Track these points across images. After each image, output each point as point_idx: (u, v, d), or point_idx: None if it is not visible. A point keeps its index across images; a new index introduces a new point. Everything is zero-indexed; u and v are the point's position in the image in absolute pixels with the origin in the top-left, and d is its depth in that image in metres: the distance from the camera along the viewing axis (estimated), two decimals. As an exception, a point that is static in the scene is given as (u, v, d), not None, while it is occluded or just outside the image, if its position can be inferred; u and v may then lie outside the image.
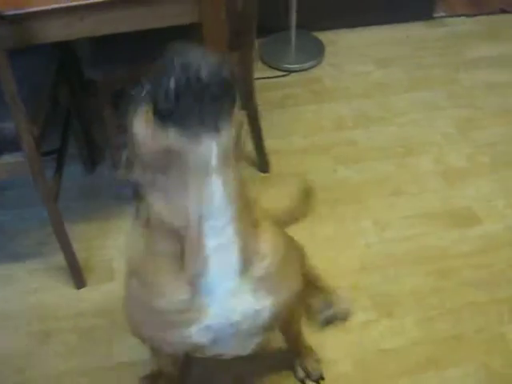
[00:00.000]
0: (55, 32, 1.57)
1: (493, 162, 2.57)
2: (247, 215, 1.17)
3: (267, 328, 1.35)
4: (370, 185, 2.46)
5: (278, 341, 1.81)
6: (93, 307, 2.05)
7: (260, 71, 2.80)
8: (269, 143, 2.50)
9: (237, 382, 1.85)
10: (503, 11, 3.52)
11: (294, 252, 1.49)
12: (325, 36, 3.29)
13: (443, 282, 2.10)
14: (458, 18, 3.49)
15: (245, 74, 2.22)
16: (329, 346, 1.91)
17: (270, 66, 3.12)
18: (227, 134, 1.00)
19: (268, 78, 3.01)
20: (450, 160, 2.57)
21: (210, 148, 0.99)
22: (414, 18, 3.45)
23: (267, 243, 1.25)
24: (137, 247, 1.22)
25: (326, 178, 2.48)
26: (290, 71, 3.09)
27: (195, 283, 1.17)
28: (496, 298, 2.05)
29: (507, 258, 2.17)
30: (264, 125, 2.43)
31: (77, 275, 2.08)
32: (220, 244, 1.12)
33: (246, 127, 2.39)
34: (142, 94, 1.04)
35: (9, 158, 1.74)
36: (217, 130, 0.98)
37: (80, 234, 2.26)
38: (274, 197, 2.18)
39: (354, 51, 3.24)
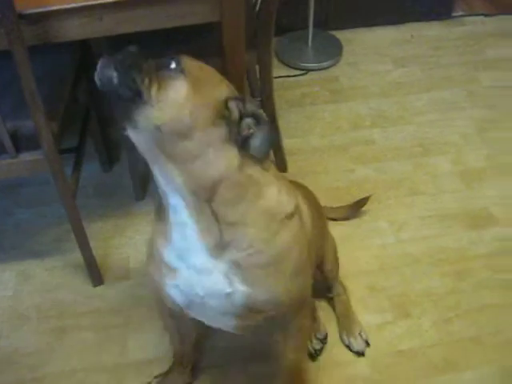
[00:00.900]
0: (74, 31, 1.57)
1: (511, 162, 2.55)
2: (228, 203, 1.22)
3: (244, 316, 1.37)
4: (388, 184, 2.45)
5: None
6: (109, 305, 2.06)
7: (277, 70, 2.79)
8: (286, 142, 2.50)
9: (250, 381, 1.85)
10: (523, 10, 3.49)
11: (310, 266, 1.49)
12: (342, 35, 3.28)
13: (460, 284, 2.09)
14: (477, 18, 3.47)
15: (263, 72, 2.21)
16: (345, 348, 1.91)
17: (287, 65, 3.12)
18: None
19: (285, 76, 3.01)
20: (468, 160, 2.56)
21: None
22: (433, 17, 3.44)
23: (264, 238, 1.27)
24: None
25: (344, 178, 2.48)
26: (308, 70, 3.08)
27: (168, 247, 1.30)
28: (513, 301, 2.04)
29: (525, 259, 2.16)
30: (281, 124, 2.43)
31: (94, 273, 2.08)
32: (181, 221, 1.23)
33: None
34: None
35: (28, 156, 1.74)
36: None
37: (97, 232, 2.27)
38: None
39: (372, 50, 3.23)
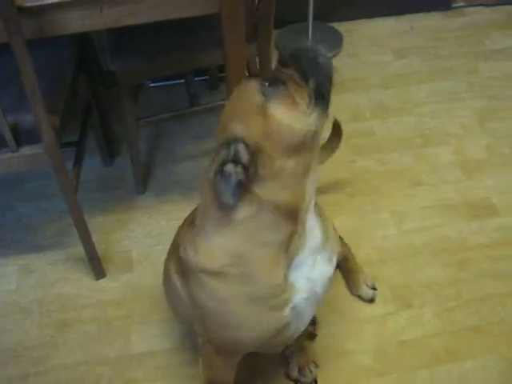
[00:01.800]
0: (74, 23, 1.56)
1: (512, 153, 2.55)
2: None
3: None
4: (389, 175, 2.45)
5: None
6: (112, 298, 2.07)
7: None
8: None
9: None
10: (523, 0, 3.48)
11: None
12: (342, 27, 3.27)
13: (462, 274, 2.10)
14: (477, 8, 3.45)
15: (263, 65, 2.22)
16: (348, 337, 1.92)
17: (287, 58, 3.11)
18: None
19: (285, 69, 3.00)
20: (469, 151, 2.56)
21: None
22: (433, 7, 3.43)
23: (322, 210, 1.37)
24: (224, 243, 1.24)
25: (345, 169, 2.48)
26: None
27: (291, 263, 1.28)
28: (515, 290, 2.04)
29: (527, 249, 2.16)
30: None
31: (96, 266, 2.09)
32: (313, 222, 1.28)
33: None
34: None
35: (29, 150, 1.74)
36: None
37: (99, 226, 2.28)
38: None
39: (372, 42, 3.22)
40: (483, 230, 2.24)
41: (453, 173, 2.46)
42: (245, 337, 1.36)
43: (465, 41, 3.21)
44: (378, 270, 2.11)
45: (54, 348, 1.94)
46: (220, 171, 1.12)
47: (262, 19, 2.06)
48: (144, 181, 2.42)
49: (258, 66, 2.35)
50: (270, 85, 1.14)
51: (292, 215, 1.20)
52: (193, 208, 1.50)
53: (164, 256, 1.68)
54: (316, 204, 1.31)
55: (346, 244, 2.06)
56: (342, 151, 2.48)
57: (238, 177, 1.11)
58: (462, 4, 3.47)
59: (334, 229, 1.50)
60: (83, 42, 2.17)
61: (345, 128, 2.56)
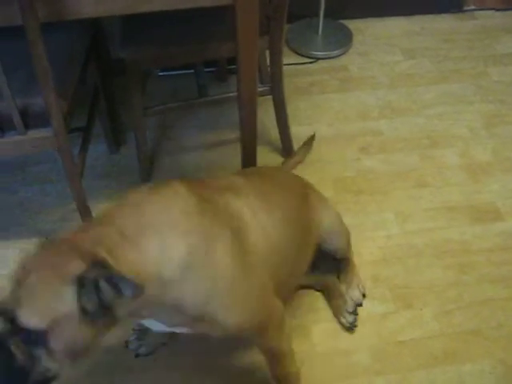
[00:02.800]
0: (88, 8, 1.56)
1: (518, 158, 2.55)
2: None
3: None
4: (394, 176, 2.44)
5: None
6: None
7: (286, 57, 2.76)
8: (294, 130, 2.49)
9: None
10: (534, 5, 3.47)
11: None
12: (353, 24, 3.27)
13: (463, 277, 2.09)
14: (488, 12, 3.45)
15: (273, 59, 2.21)
16: (347, 336, 1.92)
17: (296, 53, 3.11)
18: None
19: (295, 64, 2.99)
20: (475, 154, 2.55)
21: None
22: (444, 9, 3.42)
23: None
24: None
25: (350, 168, 2.47)
26: (317, 58, 3.07)
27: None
28: (516, 295, 2.04)
29: (529, 255, 2.16)
30: (289, 111, 2.42)
31: (98, 253, 2.08)
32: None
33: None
34: None
35: (36, 133, 1.75)
36: None
37: (102, 213, 2.27)
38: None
39: (382, 41, 3.22)
40: (486, 234, 2.23)
41: (458, 175, 2.45)
42: None
43: (475, 44, 3.20)
44: (380, 269, 2.10)
45: (52, 333, 1.94)
46: None
47: (274, 12, 2.05)
48: (149, 169, 2.42)
49: (267, 60, 2.35)
50: None
51: None
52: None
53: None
54: None
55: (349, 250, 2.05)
56: (347, 150, 2.48)
57: None
58: (473, 7, 3.47)
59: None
60: (94, 28, 2.17)
61: (351, 126, 2.58)
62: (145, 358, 1.86)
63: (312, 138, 2.38)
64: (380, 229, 2.25)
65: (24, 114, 1.71)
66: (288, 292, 1.55)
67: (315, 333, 1.93)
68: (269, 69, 2.32)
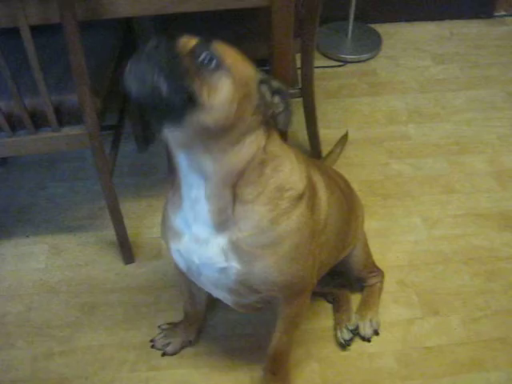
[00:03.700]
0: (124, 8, 1.56)
1: (547, 165, 2.52)
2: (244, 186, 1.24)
3: (237, 292, 1.42)
4: (422, 180, 2.43)
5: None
6: (139, 283, 2.07)
7: (315, 60, 2.77)
8: (322, 133, 2.49)
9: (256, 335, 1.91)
10: None
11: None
12: (382, 28, 3.27)
13: (490, 284, 2.08)
14: (519, 18, 3.43)
15: (305, 61, 2.21)
16: (374, 339, 1.91)
17: (325, 56, 3.11)
18: None
19: (323, 67, 2.99)
20: (504, 161, 2.53)
21: None
22: (474, 15, 3.40)
23: (270, 218, 1.28)
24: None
25: (378, 171, 2.47)
26: (346, 62, 3.07)
27: (177, 211, 1.34)
28: (544, 304, 2.02)
29: (558, 264, 2.14)
30: (318, 114, 2.42)
31: (126, 251, 2.10)
32: (195, 196, 1.25)
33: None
34: None
35: (70, 130, 1.75)
36: None
37: (130, 211, 2.29)
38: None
39: (411, 45, 3.21)
40: (515, 242, 2.22)
41: (487, 182, 2.44)
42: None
43: (505, 50, 3.18)
44: (407, 274, 2.09)
45: (79, 329, 1.95)
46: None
47: (308, 14, 2.05)
48: (177, 168, 2.42)
49: (298, 63, 2.35)
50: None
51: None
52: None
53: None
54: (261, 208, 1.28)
55: (380, 276, 2.04)
56: (376, 153, 2.48)
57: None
58: (503, 13, 3.45)
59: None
60: (127, 27, 2.18)
61: (380, 130, 2.57)
62: (170, 357, 1.87)
63: (345, 136, 2.40)
64: (407, 233, 2.24)
65: (58, 110, 1.72)
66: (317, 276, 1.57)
67: (340, 336, 1.93)
68: (299, 71, 2.31)
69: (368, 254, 1.97)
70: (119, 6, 1.57)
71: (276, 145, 1.25)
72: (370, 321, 1.94)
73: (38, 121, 1.73)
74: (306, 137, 2.48)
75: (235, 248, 1.30)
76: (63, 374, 1.84)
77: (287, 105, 1.21)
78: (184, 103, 1.06)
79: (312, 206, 1.38)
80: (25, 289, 2.07)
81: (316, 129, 2.41)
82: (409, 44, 3.22)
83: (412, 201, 2.35)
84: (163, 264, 2.12)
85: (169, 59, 1.08)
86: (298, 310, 1.56)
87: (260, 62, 2.65)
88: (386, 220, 2.28)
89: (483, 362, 1.86)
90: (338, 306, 1.98)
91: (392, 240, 2.20)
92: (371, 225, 2.22)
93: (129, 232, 2.09)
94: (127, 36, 2.19)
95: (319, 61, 3.02)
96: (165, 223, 1.45)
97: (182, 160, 1.20)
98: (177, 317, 1.93)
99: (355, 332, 1.91)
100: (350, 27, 3.14)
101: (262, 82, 1.19)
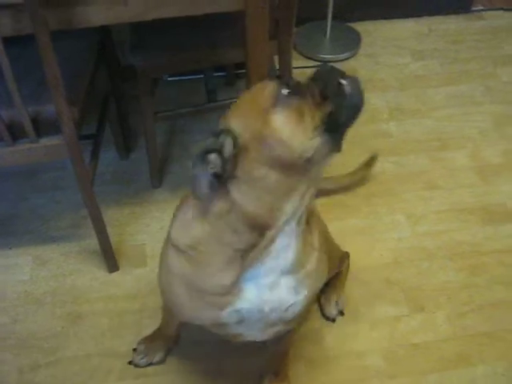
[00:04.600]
0: (99, 16, 1.56)
1: (529, 158, 2.54)
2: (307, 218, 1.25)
3: (292, 320, 1.39)
4: (405, 178, 2.44)
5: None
6: (124, 291, 2.07)
7: (294, 61, 2.74)
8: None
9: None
10: (543, 5, 3.46)
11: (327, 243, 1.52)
12: (361, 27, 3.27)
13: (475, 279, 2.09)
14: (497, 12, 3.44)
15: (282, 63, 2.21)
16: (360, 338, 1.92)
17: (304, 56, 3.11)
18: None
19: (303, 67, 2.99)
20: (485, 156, 2.55)
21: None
22: (452, 10, 3.41)
23: (315, 240, 1.32)
24: (195, 227, 1.22)
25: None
26: (325, 61, 3.06)
27: (244, 273, 1.22)
28: (528, 297, 2.03)
29: (541, 256, 2.15)
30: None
31: (110, 259, 2.09)
32: (286, 244, 1.20)
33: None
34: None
35: (48, 141, 1.74)
36: None
37: (113, 219, 2.28)
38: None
39: (391, 43, 3.22)
40: (498, 235, 2.23)
41: (469, 177, 2.45)
42: (183, 313, 1.40)
43: (484, 45, 3.19)
44: (392, 271, 2.10)
45: (65, 339, 1.94)
46: (201, 157, 1.07)
47: (283, 16, 2.05)
48: (159, 175, 2.42)
49: (276, 65, 2.35)
50: (288, 92, 1.07)
51: (258, 229, 1.14)
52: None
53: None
54: (307, 229, 1.28)
55: (346, 259, 2.03)
56: (358, 152, 2.47)
57: (214, 168, 1.06)
58: (481, 8, 3.46)
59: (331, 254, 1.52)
60: (103, 34, 2.17)
61: (361, 129, 2.57)
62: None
63: (372, 159, 2.41)
64: (391, 231, 2.25)
65: (35, 121, 1.71)
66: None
67: (328, 337, 1.93)
68: (277, 72, 2.31)
69: (334, 257, 1.90)
70: (92, 14, 1.57)
71: None
72: (336, 302, 1.97)
73: (15, 132, 1.72)
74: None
75: (301, 280, 1.30)
76: (50, 385, 1.84)
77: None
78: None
79: None
80: (9, 300, 2.06)
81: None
82: (388, 41, 3.23)
83: (395, 198, 2.35)
84: (148, 271, 2.11)
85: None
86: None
87: (237, 65, 2.67)
88: (369, 218, 2.28)
89: (469, 357, 1.88)
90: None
91: (376, 238, 2.21)
92: (355, 223, 2.23)
93: (112, 240, 2.09)
94: (104, 43, 2.18)
95: (298, 61, 3.01)
96: (200, 292, 1.30)
97: (289, 207, 1.14)
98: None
99: (342, 314, 1.98)
100: (329, 26, 3.14)
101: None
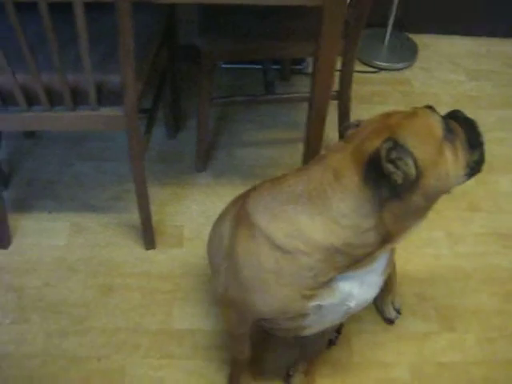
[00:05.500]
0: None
1: None
2: None
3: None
4: (447, 196, 2.39)
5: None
6: (158, 270, 2.07)
7: (350, 64, 2.77)
8: (352, 137, 2.47)
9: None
10: None
11: None
12: (419, 39, 3.25)
13: (508, 305, 2.07)
14: (556, 40, 3.40)
15: (345, 64, 2.20)
16: (387, 349, 1.91)
17: (360, 61, 3.09)
18: None
19: (358, 72, 2.97)
20: (531, 183, 2.52)
21: None
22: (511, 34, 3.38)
23: None
24: (321, 237, 1.21)
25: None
26: (381, 69, 3.05)
27: (346, 272, 1.27)
28: (561, 330, 2.01)
29: None
30: (351, 117, 2.41)
31: (148, 236, 2.09)
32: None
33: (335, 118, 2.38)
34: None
35: (108, 111, 1.74)
36: None
37: (154, 197, 2.28)
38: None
39: (447, 59, 3.19)
40: (536, 265, 2.21)
41: (512, 203, 2.43)
42: (262, 305, 1.36)
43: (540, 71, 3.16)
44: (426, 287, 2.08)
45: (95, 310, 1.95)
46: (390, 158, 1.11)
47: (355, 18, 2.04)
48: (205, 160, 2.42)
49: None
50: (449, 129, 1.20)
51: (380, 242, 1.19)
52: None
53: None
54: None
55: (393, 263, 2.02)
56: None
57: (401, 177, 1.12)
58: (541, 34, 3.42)
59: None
60: (169, 13, 2.17)
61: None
62: (185, 346, 1.87)
63: None
64: (429, 247, 2.22)
65: (99, 89, 1.71)
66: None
67: (355, 342, 1.92)
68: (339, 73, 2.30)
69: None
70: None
71: None
72: (392, 303, 1.98)
73: (77, 98, 1.72)
74: (337, 139, 2.46)
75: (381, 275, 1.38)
76: (76, 353, 1.84)
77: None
78: None
79: None
80: (43, 264, 2.07)
81: (348, 133, 2.39)
82: (444, 57, 3.20)
83: (436, 215, 2.33)
84: (183, 252, 2.11)
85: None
86: None
87: (293, 61, 2.66)
88: (409, 231, 2.26)
89: (496, 383, 1.85)
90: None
91: (413, 252, 2.19)
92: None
93: (152, 217, 2.09)
94: (169, 21, 2.18)
95: (354, 65, 3.00)
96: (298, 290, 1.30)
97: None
98: (196, 310, 1.95)
99: (399, 312, 2.00)
100: (388, 35, 3.13)
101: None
